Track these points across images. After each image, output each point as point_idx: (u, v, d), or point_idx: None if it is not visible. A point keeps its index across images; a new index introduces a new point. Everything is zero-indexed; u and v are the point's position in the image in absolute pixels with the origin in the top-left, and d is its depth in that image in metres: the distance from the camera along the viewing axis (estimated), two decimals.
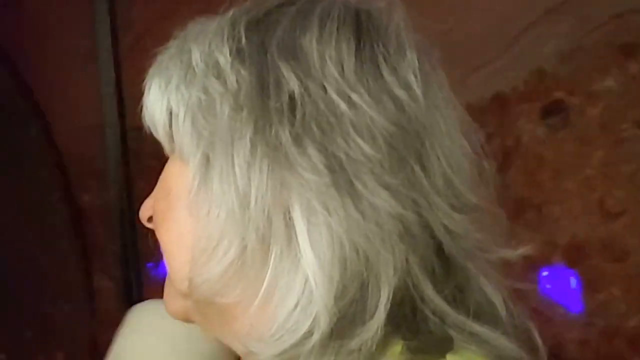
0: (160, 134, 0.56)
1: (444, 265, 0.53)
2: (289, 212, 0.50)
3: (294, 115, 0.50)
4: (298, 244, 0.50)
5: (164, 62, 0.56)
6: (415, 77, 0.53)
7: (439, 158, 0.53)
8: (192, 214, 0.53)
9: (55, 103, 1.84)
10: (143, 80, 0.57)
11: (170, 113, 0.54)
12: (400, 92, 0.52)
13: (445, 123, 0.54)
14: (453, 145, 0.54)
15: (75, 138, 1.82)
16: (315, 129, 0.50)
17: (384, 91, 0.52)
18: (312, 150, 0.50)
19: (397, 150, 0.51)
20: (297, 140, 0.50)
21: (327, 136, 0.50)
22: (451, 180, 0.53)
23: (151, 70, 0.57)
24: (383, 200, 0.50)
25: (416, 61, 0.54)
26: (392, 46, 0.54)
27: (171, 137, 0.55)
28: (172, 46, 0.57)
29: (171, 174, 0.56)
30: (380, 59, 0.53)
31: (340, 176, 0.50)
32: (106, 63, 1.67)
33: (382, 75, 0.52)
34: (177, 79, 0.54)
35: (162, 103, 0.55)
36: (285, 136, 0.50)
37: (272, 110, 0.50)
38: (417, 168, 0.52)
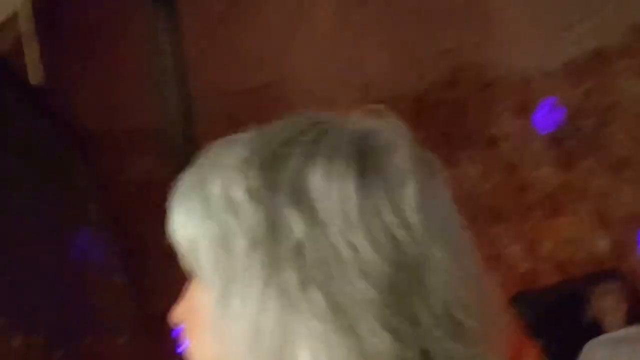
0: (185, 257, 0.59)
1: None
2: (296, 353, 0.54)
3: (300, 261, 0.54)
4: None
5: (186, 189, 0.59)
6: (414, 211, 0.56)
7: (439, 289, 0.56)
8: (214, 337, 0.57)
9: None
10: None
11: (192, 241, 0.58)
12: (399, 232, 0.55)
13: (446, 251, 0.57)
14: (454, 272, 0.57)
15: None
16: (319, 274, 0.54)
17: (383, 231, 0.55)
18: (316, 295, 0.54)
19: (398, 289, 0.55)
20: (303, 286, 0.54)
21: (331, 280, 0.54)
22: (451, 310, 0.56)
23: (175, 196, 0.59)
24: (385, 342, 0.54)
25: (416, 193, 0.57)
26: (393, 180, 0.57)
27: (193, 262, 0.58)
28: (194, 172, 0.59)
29: (197, 294, 0.59)
30: (381, 196, 0.56)
31: (343, 320, 0.54)
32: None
33: (381, 214, 0.56)
34: (197, 211, 0.57)
35: (184, 231, 0.58)
36: (292, 282, 0.54)
37: (281, 255, 0.54)
38: (417, 303, 0.55)
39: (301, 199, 0.56)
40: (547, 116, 3.41)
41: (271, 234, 0.55)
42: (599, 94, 3.36)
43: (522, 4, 3.47)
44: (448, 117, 3.47)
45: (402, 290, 0.55)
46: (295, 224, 0.55)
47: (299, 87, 3.25)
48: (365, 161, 0.57)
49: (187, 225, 0.58)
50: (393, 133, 0.60)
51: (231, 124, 0.65)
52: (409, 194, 0.57)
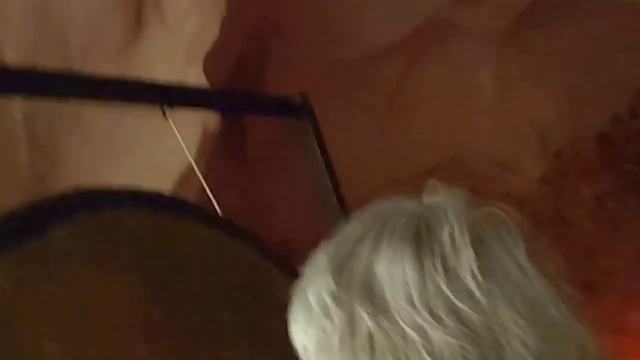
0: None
1: None
2: None
3: (373, 351, 0.60)
4: None
5: (295, 300, 0.67)
6: (474, 278, 0.59)
7: (518, 351, 0.58)
8: None
9: None
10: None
11: (304, 348, 0.66)
12: (461, 304, 0.59)
13: (515, 312, 0.59)
14: (529, 329, 0.59)
15: None
16: (390, 359, 0.59)
17: (447, 309, 0.59)
18: None
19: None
20: None
21: None
22: None
23: (290, 307, 0.67)
24: None
25: (473, 259, 0.60)
26: (449, 252, 0.61)
27: None
28: (299, 286, 0.67)
29: None
30: (440, 273, 0.60)
31: None
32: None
33: (443, 291, 0.59)
34: (302, 319, 0.65)
35: (297, 337, 0.66)
36: None
37: (357, 348, 0.60)
38: None
39: (371, 291, 0.61)
40: None
41: (349, 329, 0.61)
42: None
43: None
44: None
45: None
46: (365, 317, 0.60)
47: (472, 160, 3.25)
48: (420, 240, 0.62)
49: (298, 332, 0.66)
50: (445, 204, 0.64)
51: None
52: (464, 261, 0.60)
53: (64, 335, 1.34)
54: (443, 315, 0.58)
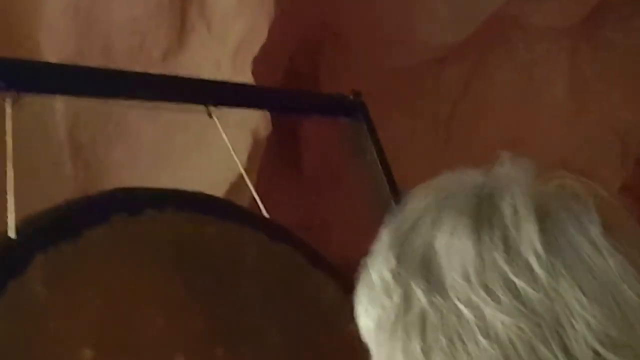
0: (369, 346, 0.65)
1: None
2: None
3: (425, 329, 0.58)
4: None
5: (360, 282, 0.66)
6: (536, 253, 0.57)
7: (582, 333, 0.55)
8: None
9: None
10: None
11: (366, 327, 0.64)
12: (518, 281, 0.56)
13: (579, 291, 0.56)
14: (596, 310, 0.55)
15: None
16: (442, 339, 0.57)
17: (504, 285, 0.56)
18: None
19: (526, 343, 0.55)
20: (427, 354, 0.58)
21: (454, 344, 0.57)
22: (599, 352, 0.55)
23: (355, 291, 0.66)
24: None
25: (536, 234, 0.57)
26: (510, 226, 0.58)
27: (370, 348, 0.64)
28: (365, 264, 0.66)
29: None
30: (499, 248, 0.57)
31: None
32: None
33: (500, 267, 0.57)
34: (366, 300, 0.64)
35: (361, 320, 0.65)
36: (418, 351, 0.58)
37: (409, 326, 0.59)
38: (555, 351, 0.55)
39: (428, 267, 0.60)
40: None
41: (404, 307, 0.60)
42: None
43: None
44: None
45: (531, 342, 0.55)
46: (418, 294, 0.59)
47: (544, 169, 3.09)
48: (480, 213, 0.60)
49: (361, 314, 0.65)
50: (509, 176, 0.62)
51: None
52: (526, 236, 0.57)
53: (99, 342, 1.28)
54: (499, 291, 0.56)
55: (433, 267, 0.59)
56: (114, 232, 1.38)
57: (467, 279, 0.57)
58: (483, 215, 0.59)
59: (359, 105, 1.87)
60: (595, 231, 0.58)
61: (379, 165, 1.81)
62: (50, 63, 1.85)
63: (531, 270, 0.56)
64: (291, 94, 2.07)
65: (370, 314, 0.63)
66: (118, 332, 1.30)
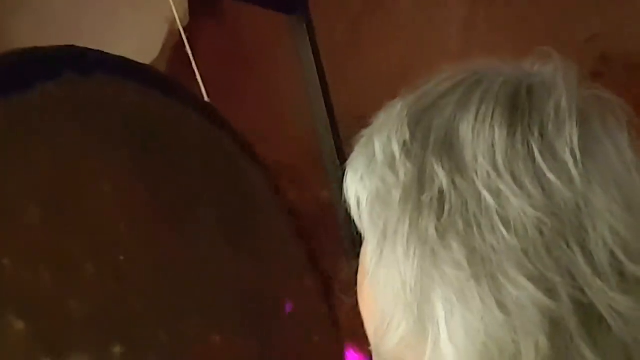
0: (354, 216, 0.66)
1: (600, 346, 0.56)
2: (432, 303, 0.58)
3: (442, 209, 0.58)
4: (439, 334, 0.58)
5: (357, 150, 0.66)
6: (573, 154, 0.57)
7: (604, 237, 0.56)
8: (370, 286, 0.63)
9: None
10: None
11: (358, 200, 0.65)
12: (552, 176, 0.56)
13: (609, 197, 0.57)
14: (622, 218, 0.57)
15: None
16: (460, 222, 0.57)
17: (534, 178, 0.56)
18: (455, 244, 0.57)
19: (546, 238, 0.56)
20: (442, 235, 0.58)
21: (471, 229, 0.57)
22: (618, 259, 0.56)
23: (350, 157, 0.67)
24: (528, 294, 0.55)
25: (576, 135, 0.57)
26: (550, 122, 0.58)
27: (359, 220, 0.65)
28: (365, 134, 0.66)
29: (364, 250, 0.65)
30: (533, 138, 0.57)
31: (482, 270, 0.56)
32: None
33: (534, 159, 0.57)
34: (362, 168, 0.64)
35: (352, 190, 0.65)
36: (432, 230, 0.58)
37: (423, 204, 0.59)
38: (572, 252, 0.56)
39: (450, 147, 0.60)
40: None
41: (417, 185, 0.60)
42: None
43: None
44: None
45: (552, 239, 0.56)
46: (440, 173, 0.59)
47: None
48: (517, 103, 0.60)
49: (354, 182, 0.65)
50: (556, 73, 0.63)
51: None
52: (567, 133, 0.58)
53: (47, 200, 1.29)
54: (527, 182, 0.57)
55: (455, 149, 0.59)
56: (64, 90, 1.38)
57: (494, 166, 0.57)
58: (520, 106, 0.59)
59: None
60: (624, 146, 0.61)
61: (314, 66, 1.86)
62: None
63: (566, 168, 0.57)
64: None
65: (365, 185, 0.64)
66: (65, 192, 1.30)
